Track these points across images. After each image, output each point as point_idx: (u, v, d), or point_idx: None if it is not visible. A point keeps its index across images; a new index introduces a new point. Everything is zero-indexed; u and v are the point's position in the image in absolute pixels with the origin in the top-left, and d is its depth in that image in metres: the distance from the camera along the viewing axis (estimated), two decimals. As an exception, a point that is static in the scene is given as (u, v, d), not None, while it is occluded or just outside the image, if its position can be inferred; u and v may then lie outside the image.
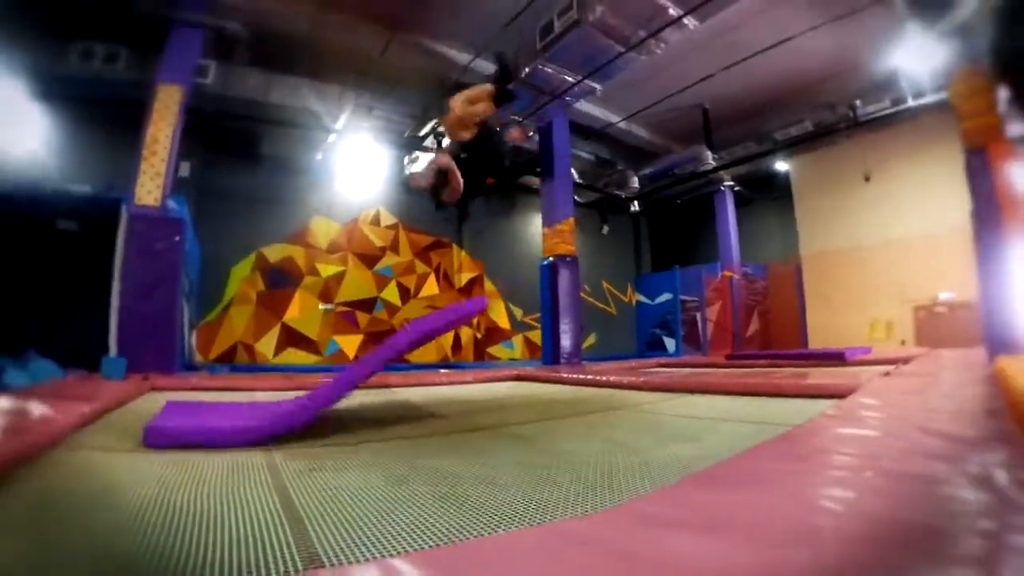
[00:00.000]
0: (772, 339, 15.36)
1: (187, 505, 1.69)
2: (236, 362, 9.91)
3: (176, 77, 7.40)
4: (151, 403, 4.51)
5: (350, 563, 1.00)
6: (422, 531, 1.45)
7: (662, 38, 7.52)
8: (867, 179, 12.36)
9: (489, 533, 1.35)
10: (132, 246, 6.61)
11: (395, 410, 4.56)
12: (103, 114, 8.75)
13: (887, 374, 5.05)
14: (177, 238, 6.89)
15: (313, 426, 3.10)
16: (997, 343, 5.53)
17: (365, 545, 1.32)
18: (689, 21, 7.09)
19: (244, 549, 1.29)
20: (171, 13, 7.47)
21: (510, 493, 1.90)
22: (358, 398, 5.04)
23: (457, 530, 1.44)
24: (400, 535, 1.40)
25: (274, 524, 1.53)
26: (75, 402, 3.27)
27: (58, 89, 8.20)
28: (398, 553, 1.25)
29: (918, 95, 9.96)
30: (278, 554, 1.27)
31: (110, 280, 6.64)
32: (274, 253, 10.96)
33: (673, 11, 6.90)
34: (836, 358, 8.15)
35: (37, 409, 2.72)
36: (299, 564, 1.22)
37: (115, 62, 8.19)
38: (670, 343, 16.13)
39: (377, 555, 1.24)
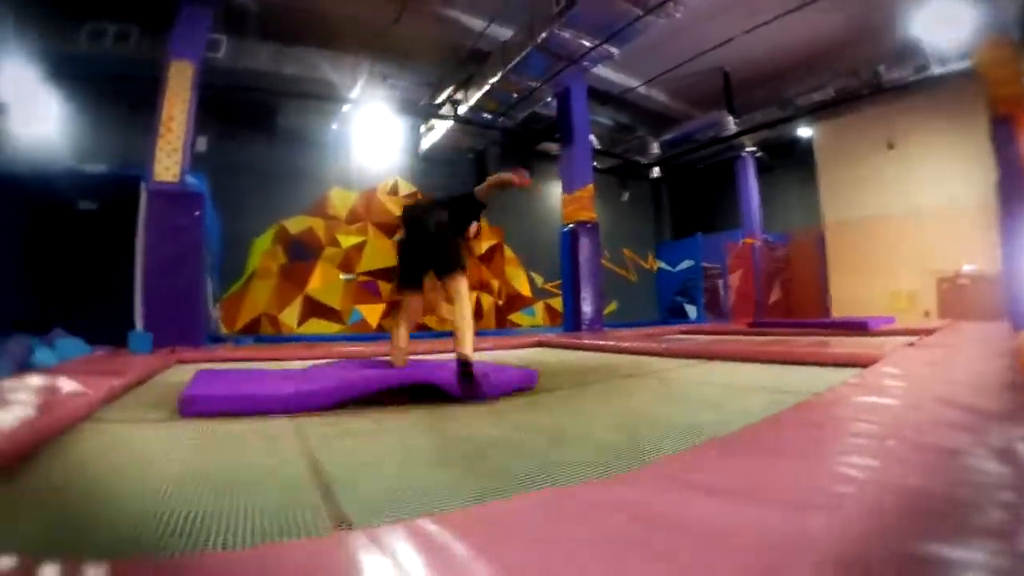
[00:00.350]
0: (794, 307, 15.21)
1: (217, 472, 1.75)
2: (261, 333, 10.07)
3: (188, 53, 7.39)
4: (179, 375, 4.64)
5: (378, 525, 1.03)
6: (453, 494, 1.50)
7: (681, 1, 7.34)
8: (891, 147, 12.09)
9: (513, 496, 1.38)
10: (152, 223, 6.68)
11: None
12: (116, 93, 8.84)
13: (911, 345, 5.02)
14: (197, 213, 6.97)
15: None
16: (1020, 317, 5.47)
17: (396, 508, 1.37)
18: (710, -19, 6.92)
19: (275, 514, 1.34)
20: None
21: (534, 458, 1.95)
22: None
23: (482, 494, 1.49)
24: (430, 500, 1.44)
25: (304, 488, 1.60)
26: (103, 376, 3.35)
27: (70, 69, 8.27)
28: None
29: (942, 62, 9.65)
30: (308, 517, 1.32)
31: (133, 257, 6.76)
32: (294, 225, 11.03)
33: (693, -29, 6.74)
34: (859, 327, 8.07)
35: (66, 385, 2.78)
36: (328, 524, 1.28)
37: (126, 41, 8.22)
38: (691, 310, 16.07)
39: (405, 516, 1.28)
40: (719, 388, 3.83)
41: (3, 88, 7.45)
